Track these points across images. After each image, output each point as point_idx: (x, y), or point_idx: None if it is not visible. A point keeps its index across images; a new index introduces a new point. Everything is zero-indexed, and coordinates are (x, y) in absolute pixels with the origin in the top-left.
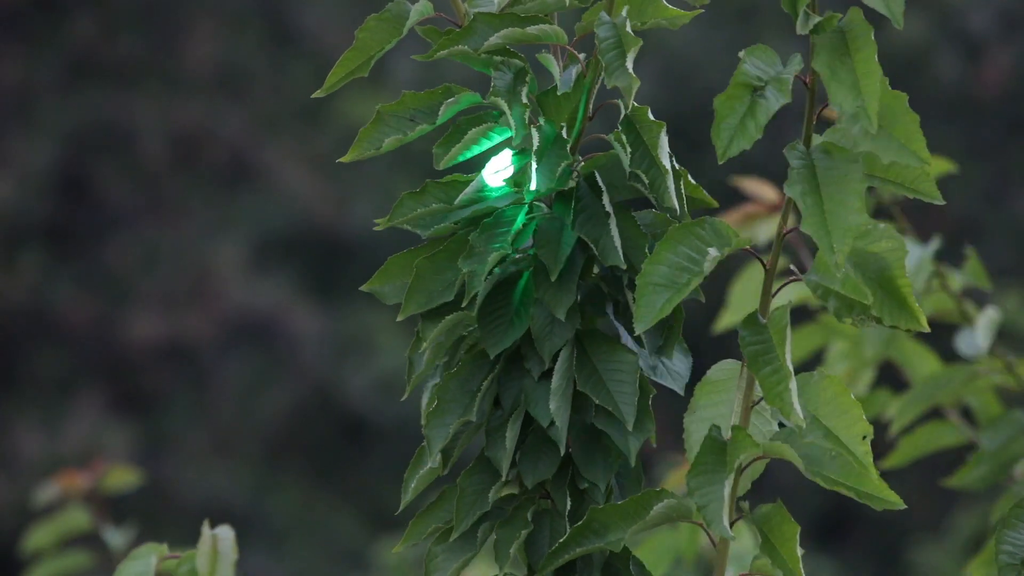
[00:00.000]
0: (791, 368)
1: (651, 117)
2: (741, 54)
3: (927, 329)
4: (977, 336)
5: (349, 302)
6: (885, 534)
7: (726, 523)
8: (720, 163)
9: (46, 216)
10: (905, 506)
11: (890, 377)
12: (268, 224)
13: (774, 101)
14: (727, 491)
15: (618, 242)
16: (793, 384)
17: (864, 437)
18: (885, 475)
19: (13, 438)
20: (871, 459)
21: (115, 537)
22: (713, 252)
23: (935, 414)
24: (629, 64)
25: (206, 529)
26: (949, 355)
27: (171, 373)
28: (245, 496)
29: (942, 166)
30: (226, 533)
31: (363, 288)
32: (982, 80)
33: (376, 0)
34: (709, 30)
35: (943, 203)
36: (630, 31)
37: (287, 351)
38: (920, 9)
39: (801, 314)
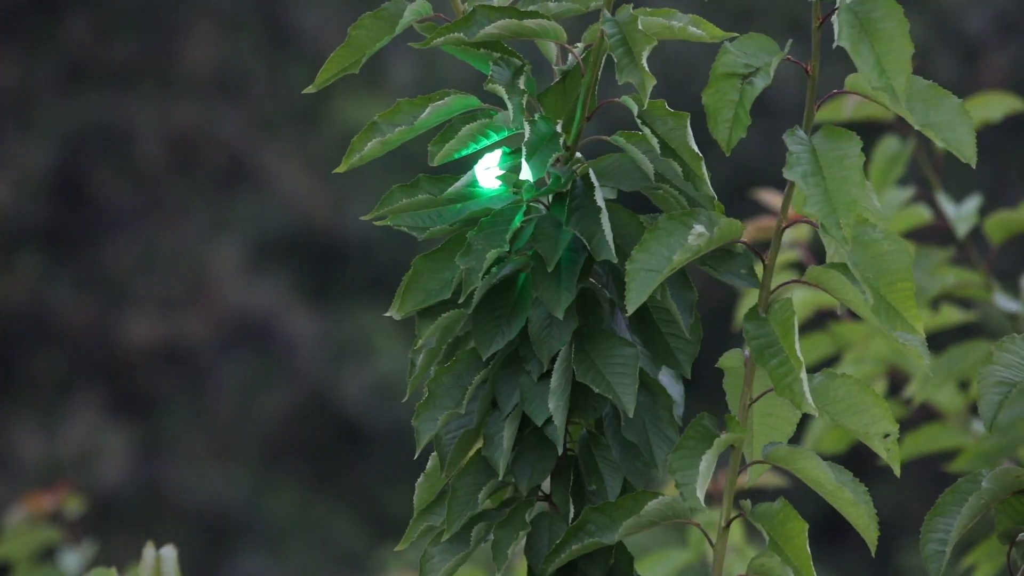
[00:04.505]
0: (801, 358)
1: (669, 108)
2: (726, 43)
3: (922, 335)
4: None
5: (346, 305)
6: (880, 538)
7: (700, 496)
8: (727, 155)
9: (44, 218)
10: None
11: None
12: (265, 226)
13: (760, 85)
14: (703, 466)
15: (610, 236)
16: (803, 374)
17: (886, 435)
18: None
19: (11, 440)
20: (895, 456)
21: (70, 559)
22: (699, 228)
23: (934, 416)
24: (643, 60)
25: (149, 551)
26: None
27: (169, 375)
28: (242, 498)
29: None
30: (169, 553)
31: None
32: (980, 81)
33: (372, 2)
34: None
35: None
36: (641, 28)
37: (284, 353)
38: (918, 11)
39: (811, 323)
